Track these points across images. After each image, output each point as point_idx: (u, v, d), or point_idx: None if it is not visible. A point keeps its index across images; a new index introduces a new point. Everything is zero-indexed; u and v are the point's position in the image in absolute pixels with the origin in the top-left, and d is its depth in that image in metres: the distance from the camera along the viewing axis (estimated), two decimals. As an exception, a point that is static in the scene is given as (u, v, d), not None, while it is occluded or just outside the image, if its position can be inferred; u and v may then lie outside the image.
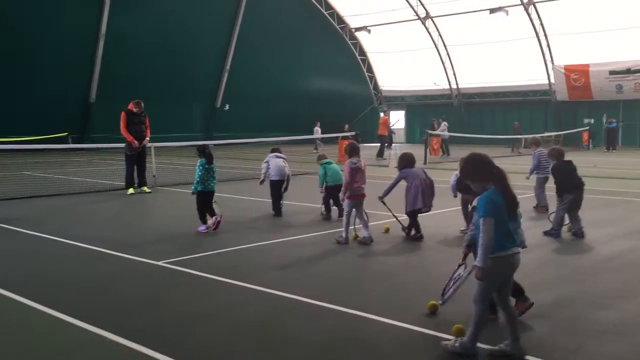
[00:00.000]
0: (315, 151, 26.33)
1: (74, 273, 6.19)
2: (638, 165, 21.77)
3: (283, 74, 37.58)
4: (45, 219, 9.66)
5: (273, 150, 10.18)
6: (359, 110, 42.67)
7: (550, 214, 8.81)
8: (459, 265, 4.62)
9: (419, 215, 8.00)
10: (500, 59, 36.57)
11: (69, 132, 24.85)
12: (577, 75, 35.08)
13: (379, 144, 25.89)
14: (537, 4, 34.08)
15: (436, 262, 6.68)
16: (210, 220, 8.35)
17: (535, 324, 4.55)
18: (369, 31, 40.44)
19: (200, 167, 8.40)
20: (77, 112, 28.66)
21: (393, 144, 32.86)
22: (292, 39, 38.10)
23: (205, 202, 8.46)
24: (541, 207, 10.05)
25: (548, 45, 35.83)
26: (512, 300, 4.42)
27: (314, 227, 8.82)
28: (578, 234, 7.96)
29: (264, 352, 4.06)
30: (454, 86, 41.37)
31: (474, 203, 4.59)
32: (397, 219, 8.27)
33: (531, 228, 8.58)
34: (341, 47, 42.74)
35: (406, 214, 8.08)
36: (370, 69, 45.01)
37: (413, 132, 44.27)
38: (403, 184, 8.15)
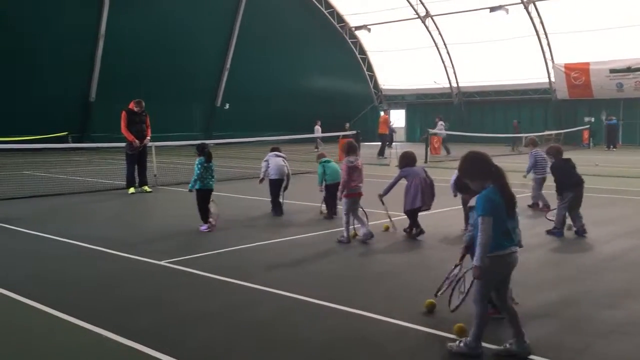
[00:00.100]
0: (316, 150, 26.29)
1: (75, 273, 6.16)
2: (639, 163, 21.74)
3: (283, 73, 37.54)
4: (46, 218, 9.64)
5: (273, 150, 10.21)
6: (359, 109, 42.64)
7: (548, 212, 8.80)
8: (455, 266, 4.63)
9: (419, 214, 8.00)
10: (501, 58, 36.53)
11: (68, 131, 24.83)
12: (577, 73, 35.05)
13: (379, 143, 25.86)
14: (537, 3, 34.04)
15: (438, 261, 6.65)
16: (207, 224, 8.34)
17: (541, 324, 4.53)
18: (369, 30, 40.40)
19: (199, 166, 8.42)
20: (77, 112, 28.62)
21: (394, 143, 32.82)
22: (292, 38, 38.06)
23: (204, 200, 8.48)
24: (544, 207, 10.03)
25: (548, 44, 35.79)
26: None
27: (315, 226, 8.80)
28: (580, 231, 7.95)
29: (266, 352, 4.04)
30: (454, 85, 41.35)
31: (471, 203, 4.57)
32: (390, 219, 8.26)
33: (533, 227, 8.57)
34: (341, 46, 42.69)
35: (405, 212, 8.07)
36: (370, 68, 44.97)
37: (413, 131, 44.27)
38: (403, 182, 8.13)
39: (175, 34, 31.48)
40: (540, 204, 10.16)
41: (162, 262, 6.43)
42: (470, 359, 3.86)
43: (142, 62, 29.87)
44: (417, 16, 38.37)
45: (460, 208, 8.19)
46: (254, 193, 11.51)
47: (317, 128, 30.32)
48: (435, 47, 39.73)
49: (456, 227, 8.37)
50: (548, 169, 9.20)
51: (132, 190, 12.63)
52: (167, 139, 19.54)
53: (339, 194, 7.86)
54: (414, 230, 7.94)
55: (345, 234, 7.59)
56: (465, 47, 37.98)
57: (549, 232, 8.03)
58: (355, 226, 7.78)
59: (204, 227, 8.32)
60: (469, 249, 4.20)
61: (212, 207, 8.54)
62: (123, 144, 13.17)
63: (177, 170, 16.64)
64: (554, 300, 5.14)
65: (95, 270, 6.27)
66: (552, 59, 36.23)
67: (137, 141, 12.60)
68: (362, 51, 44.09)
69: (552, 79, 36.82)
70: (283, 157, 10.08)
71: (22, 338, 4.32)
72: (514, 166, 10.86)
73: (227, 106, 35.46)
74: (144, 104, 12.95)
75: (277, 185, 9.86)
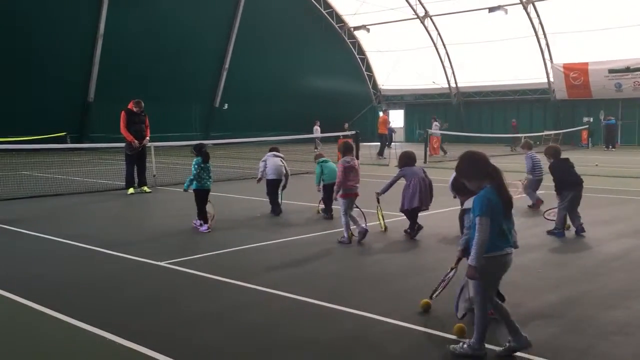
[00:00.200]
0: (315, 150, 26.28)
1: (74, 274, 6.14)
2: (638, 163, 21.76)
3: (282, 73, 37.51)
4: (45, 219, 9.61)
5: (271, 150, 10.25)
6: (358, 109, 42.62)
7: (545, 211, 8.81)
8: (451, 269, 4.63)
9: (418, 214, 8.01)
10: (499, 58, 36.53)
11: (67, 132, 24.76)
12: (576, 73, 35.07)
13: (379, 143, 25.87)
14: (536, 3, 34.05)
15: (437, 261, 6.63)
16: (204, 227, 8.32)
17: (543, 324, 4.52)
18: (368, 30, 40.38)
19: (196, 166, 8.44)
20: (75, 112, 28.56)
21: (393, 143, 32.82)
22: (291, 38, 38.04)
23: (202, 201, 8.50)
24: (538, 201, 10.18)
25: (547, 44, 35.80)
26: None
27: (315, 226, 8.80)
28: (578, 230, 7.98)
29: (269, 354, 4.03)
30: (452, 85, 41.35)
31: (466, 205, 4.56)
32: (381, 218, 8.21)
33: (533, 227, 8.56)
34: (340, 46, 42.68)
35: (401, 211, 8.08)
36: (369, 68, 44.96)
37: (412, 131, 44.29)
38: (402, 182, 8.14)
39: (174, 34, 31.45)
40: (532, 202, 10.32)
41: (162, 263, 6.41)
42: (474, 360, 3.85)
43: (141, 62, 29.83)
44: (416, 16, 38.37)
45: (459, 209, 8.17)
46: (253, 193, 11.49)
47: (317, 128, 30.30)
48: (434, 48, 39.73)
49: (455, 228, 8.31)
50: (545, 171, 9.34)
51: (131, 190, 12.60)
52: (166, 139, 19.53)
53: (334, 194, 7.90)
54: (413, 230, 7.94)
55: (345, 235, 7.58)
56: (464, 48, 37.97)
57: (549, 232, 8.03)
58: (352, 227, 7.78)
59: (204, 228, 8.30)
60: (466, 252, 4.19)
61: (209, 208, 8.56)
62: (122, 145, 13.15)
63: (176, 171, 16.61)
64: (555, 300, 5.13)
65: (95, 271, 6.26)
66: (550, 59, 36.24)
67: (136, 141, 12.58)
68: (361, 51, 44.08)
69: (551, 79, 36.84)
70: (281, 157, 10.11)
71: (22, 339, 4.30)
72: (513, 166, 10.85)
73: (226, 106, 35.42)
74: (143, 104, 12.93)
75: (274, 185, 9.90)
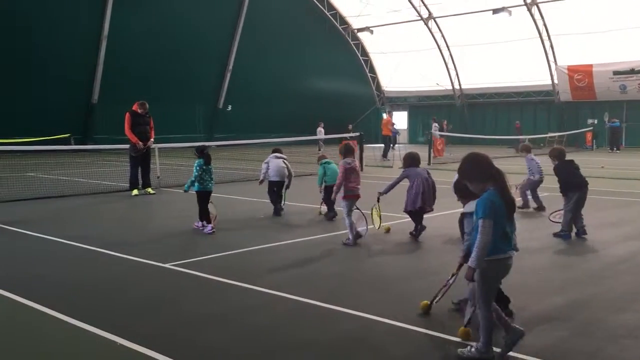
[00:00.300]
0: (319, 152, 26.25)
1: (78, 275, 6.13)
2: (643, 165, 21.66)
3: (285, 74, 37.51)
4: (49, 220, 9.61)
5: (274, 151, 10.25)
6: (361, 111, 42.58)
7: (551, 213, 8.78)
8: (452, 275, 4.59)
9: (423, 216, 7.98)
10: (503, 60, 36.46)
11: (71, 133, 24.78)
12: (580, 75, 34.98)
13: (382, 145, 25.84)
14: (540, 4, 33.99)
15: (440, 264, 6.58)
16: (208, 228, 8.32)
17: (549, 328, 4.48)
18: (372, 32, 40.36)
19: (198, 167, 8.45)
20: (79, 113, 28.60)
21: (396, 145, 32.79)
22: (295, 39, 38.04)
23: (204, 202, 8.52)
24: (524, 205, 10.28)
25: (551, 46, 35.72)
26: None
27: (318, 228, 8.77)
28: (580, 232, 7.96)
29: (273, 355, 4.01)
30: (456, 87, 41.30)
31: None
32: (374, 217, 8.19)
33: (538, 230, 8.52)
34: (343, 48, 42.67)
35: (405, 212, 8.05)
36: (372, 70, 44.94)
37: (415, 133, 44.23)
38: (406, 184, 8.11)
39: (178, 36, 31.48)
40: (522, 201, 10.34)
41: (167, 265, 6.39)
42: (482, 364, 3.82)
43: (145, 63, 29.87)
44: (419, 18, 38.34)
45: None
46: (257, 195, 11.47)
47: (320, 130, 30.27)
48: (437, 49, 39.69)
49: (459, 230, 8.32)
50: (545, 172, 9.55)
51: (135, 192, 12.60)
52: (170, 141, 19.50)
53: (333, 195, 7.93)
54: (415, 231, 7.93)
55: (350, 237, 7.55)
56: (467, 49, 37.91)
57: (556, 234, 7.99)
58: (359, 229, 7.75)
59: (208, 229, 8.29)
60: (467, 258, 4.15)
61: (211, 208, 8.58)
62: (126, 146, 13.14)
63: (180, 172, 16.59)
64: (562, 303, 5.09)
65: (99, 272, 6.24)
66: (555, 60, 36.16)
67: (140, 143, 12.58)
68: (365, 53, 44.06)
69: (555, 81, 36.75)
70: (284, 158, 10.11)
71: (25, 340, 4.28)
72: (516, 168, 10.83)
73: (230, 108, 35.44)
74: (147, 105, 12.92)
75: (276, 187, 9.90)
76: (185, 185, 8.66)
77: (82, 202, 11.78)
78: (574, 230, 8.01)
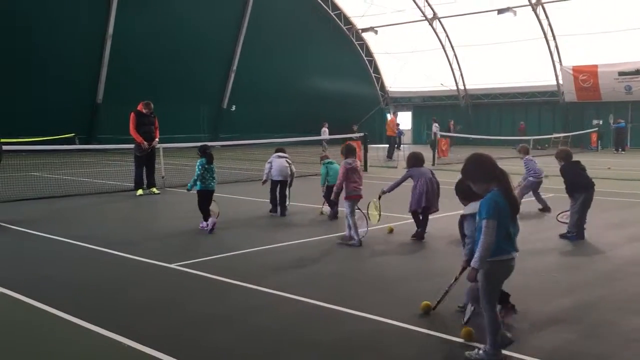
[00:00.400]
0: (322, 152, 26.21)
1: (84, 275, 6.12)
2: (649, 166, 21.56)
3: (290, 74, 37.51)
4: (54, 220, 9.61)
5: (277, 151, 10.26)
6: (366, 111, 42.53)
7: (559, 214, 8.74)
8: (455, 279, 4.57)
9: (429, 216, 7.95)
10: (508, 60, 36.35)
11: (76, 133, 24.84)
12: (585, 76, 34.86)
13: (387, 145, 25.80)
14: (545, 5, 33.88)
15: (444, 265, 6.55)
16: (209, 221, 8.35)
17: (558, 330, 4.43)
18: (376, 32, 40.34)
19: (200, 167, 8.47)
20: (84, 113, 28.65)
21: (401, 145, 32.76)
22: (299, 39, 38.04)
23: (206, 201, 8.54)
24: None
25: (556, 46, 35.61)
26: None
27: (321, 229, 8.74)
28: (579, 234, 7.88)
29: (277, 356, 4.00)
30: (461, 87, 41.22)
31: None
32: (373, 211, 8.15)
33: (544, 231, 8.47)
34: (348, 48, 42.64)
35: (410, 212, 8.02)
36: (377, 70, 44.89)
37: (420, 134, 44.17)
38: (410, 184, 8.08)
39: (182, 36, 31.51)
40: (541, 205, 10.31)
41: (171, 265, 6.37)
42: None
43: (149, 63, 29.90)
44: (424, 18, 38.28)
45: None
46: (260, 195, 11.45)
47: (325, 130, 30.23)
48: (442, 50, 39.62)
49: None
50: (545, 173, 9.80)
51: (140, 192, 12.60)
52: (175, 141, 19.50)
53: (333, 195, 7.94)
54: (424, 230, 7.90)
55: (355, 237, 7.52)
56: (472, 50, 37.82)
57: (562, 236, 7.94)
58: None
59: (203, 225, 8.40)
60: (470, 262, 4.13)
61: (213, 206, 8.61)
62: (131, 146, 13.15)
63: (185, 172, 16.59)
64: (571, 305, 5.05)
65: (103, 272, 6.23)
66: (560, 61, 36.05)
67: (145, 143, 12.57)
68: (369, 53, 44.02)
69: (560, 82, 36.64)
70: (286, 158, 10.11)
71: (29, 340, 4.27)
72: (520, 169, 10.81)
73: (234, 108, 35.45)
74: (152, 105, 12.93)
75: (279, 187, 9.91)
76: (188, 185, 8.68)
77: (87, 201, 11.79)
78: (567, 230, 7.96)
